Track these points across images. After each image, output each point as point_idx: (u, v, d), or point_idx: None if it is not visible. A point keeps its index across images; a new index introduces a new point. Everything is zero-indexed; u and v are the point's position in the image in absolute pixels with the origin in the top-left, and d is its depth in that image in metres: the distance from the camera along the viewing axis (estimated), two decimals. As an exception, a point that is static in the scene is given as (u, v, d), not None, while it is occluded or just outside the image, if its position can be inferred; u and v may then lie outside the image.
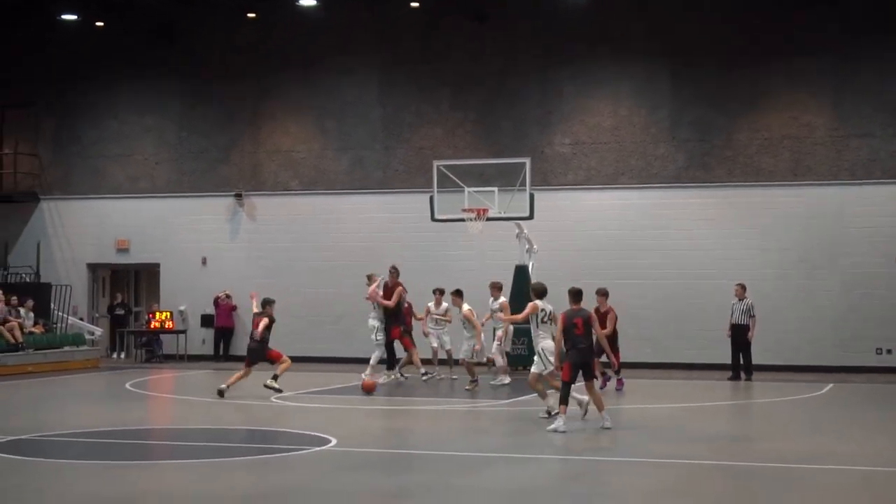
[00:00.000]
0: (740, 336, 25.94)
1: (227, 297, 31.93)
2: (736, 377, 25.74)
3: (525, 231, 27.69)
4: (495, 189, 26.99)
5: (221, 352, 31.98)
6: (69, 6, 32.59)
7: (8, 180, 34.56)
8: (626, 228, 29.96)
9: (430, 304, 25.02)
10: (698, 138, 29.78)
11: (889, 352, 28.11)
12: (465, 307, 23.71)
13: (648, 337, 29.33)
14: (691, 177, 29.81)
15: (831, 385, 24.76)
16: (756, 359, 26.24)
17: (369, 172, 31.84)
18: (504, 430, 17.44)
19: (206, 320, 32.49)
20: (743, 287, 26.11)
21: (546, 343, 17.21)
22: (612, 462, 14.05)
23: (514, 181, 27.00)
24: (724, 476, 13.18)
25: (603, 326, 21.35)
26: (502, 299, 24.12)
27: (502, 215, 26.91)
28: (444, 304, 24.87)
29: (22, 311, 29.32)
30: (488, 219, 26.83)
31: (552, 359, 16.90)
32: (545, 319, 17.28)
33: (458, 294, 24.00)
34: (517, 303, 23.75)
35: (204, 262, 32.78)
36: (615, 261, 29.65)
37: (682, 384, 25.29)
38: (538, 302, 17.37)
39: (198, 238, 32.85)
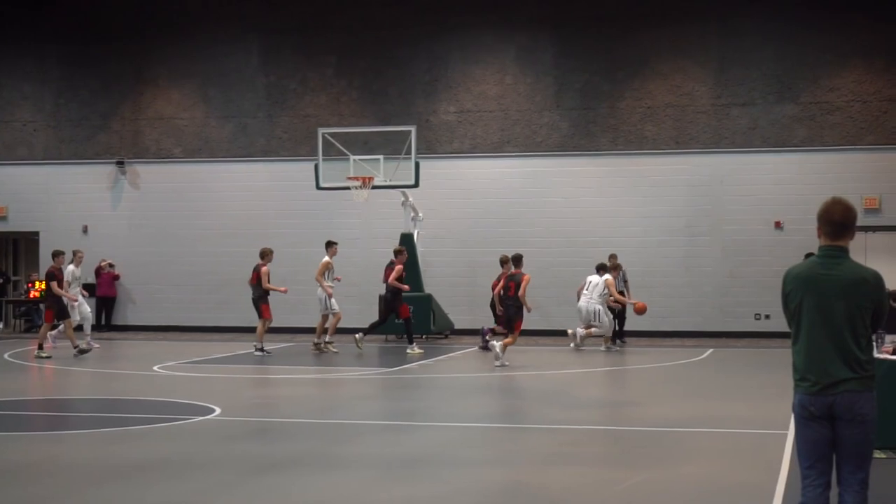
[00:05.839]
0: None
1: (110, 266, 31.43)
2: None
3: (410, 199, 27.67)
4: (381, 157, 27.01)
5: (104, 321, 31.42)
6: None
7: None
8: (511, 197, 30.07)
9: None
10: (583, 106, 29.96)
11: (767, 317, 28.53)
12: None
13: (535, 304, 29.44)
14: (575, 145, 30.01)
15: (711, 350, 25.25)
16: (641, 325, 26.68)
17: (253, 140, 31.52)
18: (393, 398, 17.46)
19: (88, 289, 31.85)
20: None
21: None
22: (503, 429, 14.11)
23: (399, 149, 27.00)
24: (610, 439, 13.36)
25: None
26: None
27: (388, 183, 26.88)
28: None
29: None
30: (374, 187, 26.78)
31: None
32: None
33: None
34: (408, 272, 24.10)
35: (85, 230, 32.19)
36: (500, 229, 29.74)
37: (564, 351, 25.44)
38: None
39: (78, 206, 32.24)
